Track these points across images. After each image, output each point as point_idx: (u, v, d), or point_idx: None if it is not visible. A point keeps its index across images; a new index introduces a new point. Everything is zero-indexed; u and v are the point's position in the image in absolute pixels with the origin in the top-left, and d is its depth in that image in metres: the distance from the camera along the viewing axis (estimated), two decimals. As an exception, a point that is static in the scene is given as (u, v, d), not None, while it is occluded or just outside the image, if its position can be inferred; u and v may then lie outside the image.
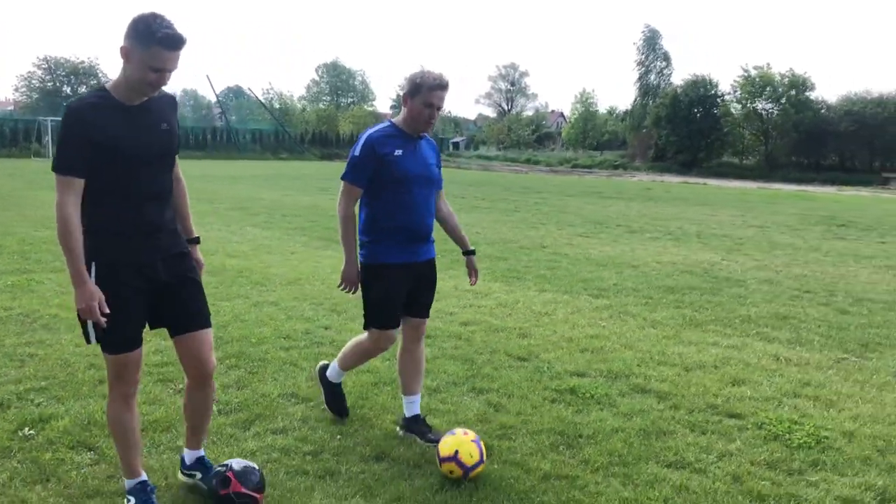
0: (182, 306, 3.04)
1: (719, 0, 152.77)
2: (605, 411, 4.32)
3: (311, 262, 9.09)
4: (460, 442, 3.39)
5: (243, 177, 26.65)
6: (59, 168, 2.76)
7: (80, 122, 2.75)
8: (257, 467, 3.15)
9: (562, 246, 11.29)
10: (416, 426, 3.89)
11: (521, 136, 72.04)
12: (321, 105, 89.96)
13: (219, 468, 3.11)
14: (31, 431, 3.77)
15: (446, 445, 3.40)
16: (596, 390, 4.65)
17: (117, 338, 2.88)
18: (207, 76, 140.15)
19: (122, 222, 2.86)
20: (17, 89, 74.37)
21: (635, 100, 63.74)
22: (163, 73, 2.77)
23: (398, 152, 3.67)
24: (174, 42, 2.72)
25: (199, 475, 3.23)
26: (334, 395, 4.12)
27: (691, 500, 3.29)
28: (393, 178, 3.65)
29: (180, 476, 3.30)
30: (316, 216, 14.33)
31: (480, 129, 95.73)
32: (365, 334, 3.91)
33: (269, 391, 4.47)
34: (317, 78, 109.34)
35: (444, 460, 3.37)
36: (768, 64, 49.97)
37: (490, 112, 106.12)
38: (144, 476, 3.07)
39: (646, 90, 62.43)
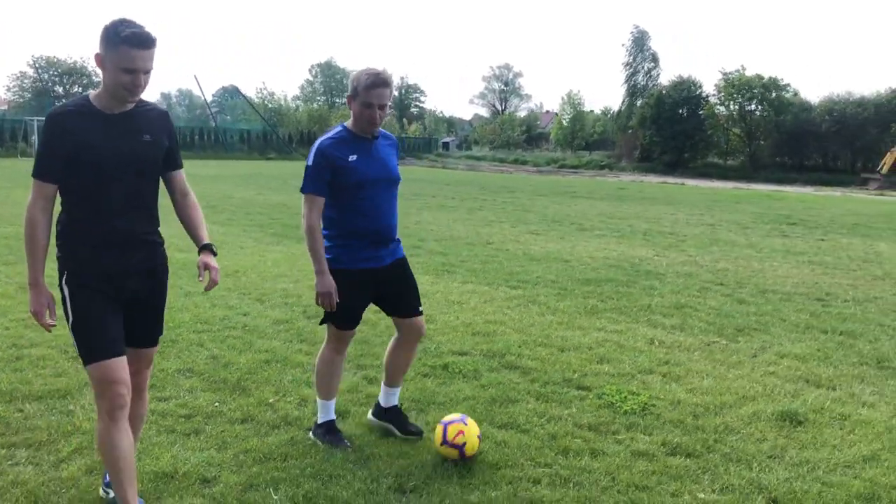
0: (138, 323, 3.01)
1: (712, 1, 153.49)
2: (466, 383, 4.84)
3: (256, 257, 9.57)
4: (472, 437, 3.62)
5: (223, 176, 27.14)
6: (34, 172, 2.84)
7: (55, 130, 2.80)
8: None
9: (507, 242, 11.80)
10: (395, 417, 3.97)
11: (510, 136, 72.50)
12: (315, 105, 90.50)
13: None
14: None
15: (461, 436, 3.59)
16: (467, 367, 5.16)
17: (92, 343, 2.82)
18: (195, 76, 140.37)
19: (94, 233, 2.87)
20: (9, 89, 74.62)
21: (623, 100, 64.42)
22: (136, 73, 2.76)
23: (352, 157, 3.63)
24: (140, 40, 2.73)
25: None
26: (329, 431, 3.89)
27: (505, 453, 3.79)
28: (350, 184, 3.63)
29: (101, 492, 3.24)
30: (279, 214, 14.83)
31: (474, 129, 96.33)
32: (320, 350, 3.94)
33: (168, 367, 4.97)
34: (311, 78, 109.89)
35: (450, 444, 3.58)
36: (743, 66, 50.63)
37: (485, 112, 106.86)
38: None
39: (633, 91, 63.08)
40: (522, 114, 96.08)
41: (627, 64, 63.90)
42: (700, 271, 9.57)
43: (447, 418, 3.73)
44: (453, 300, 7.36)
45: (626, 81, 64.17)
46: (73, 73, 74.40)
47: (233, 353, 5.30)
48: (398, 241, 3.90)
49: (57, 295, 2.94)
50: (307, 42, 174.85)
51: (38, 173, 2.83)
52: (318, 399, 3.94)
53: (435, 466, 3.62)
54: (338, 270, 3.67)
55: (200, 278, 3.04)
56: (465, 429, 3.62)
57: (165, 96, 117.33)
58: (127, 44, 2.71)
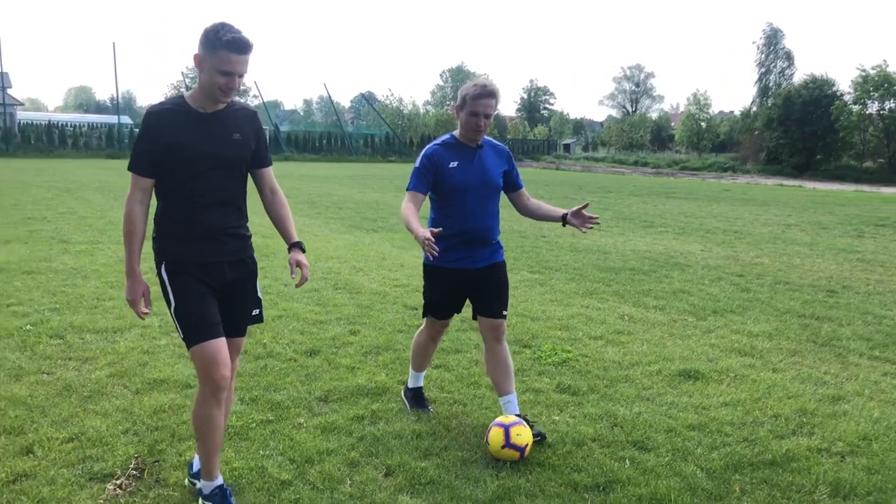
0: (229, 312, 3.12)
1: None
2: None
3: (323, 242, 10.90)
4: (530, 437, 3.68)
5: (337, 176, 29.14)
6: (130, 166, 2.99)
7: (152, 126, 2.95)
8: None
9: (562, 236, 12.56)
10: None
11: (633, 138, 71.57)
12: (445, 108, 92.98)
13: None
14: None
15: (521, 438, 3.63)
16: (439, 327, 6.15)
17: (196, 326, 2.95)
18: (324, 84, 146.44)
19: (187, 224, 3.00)
20: (165, 96, 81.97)
21: (753, 100, 62.19)
22: (231, 76, 2.89)
23: (453, 164, 3.86)
24: (239, 45, 2.87)
25: (198, 484, 3.23)
26: (415, 395, 4.38)
27: (442, 388, 4.78)
28: (448, 188, 3.87)
29: (186, 482, 3.36)
30: (367, 209, 16.23)
31: (602, 130, 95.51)
32: (418, 332, 4.35)
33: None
34: (441, 83, 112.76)
35: (512, 446, 3.61)
36: (885, 61, 47.61)
37: (616, 114, 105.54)
38: (220, 479, 3.11)
39: (765, 91, 60.78)
40: (654, 115, 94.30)
41: (759, 63, 61.69)
42: (730, 264, 10.00)
43: (503, 420, 3.73)
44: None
45: (758, 81, 61.99)
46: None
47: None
48: (497, 245, 4.07)
49: (154, 283, 3.08)
50: (438, 48, 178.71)
51: (134, 167, 2.99)
52: (410, 368, 4.42)
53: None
54: (430, 267, 4.00)
55: (293, 275, 3.19)
56: (524, 430, 3.67)
57: (307, 102, 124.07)
58: (226, 48, 2.85)
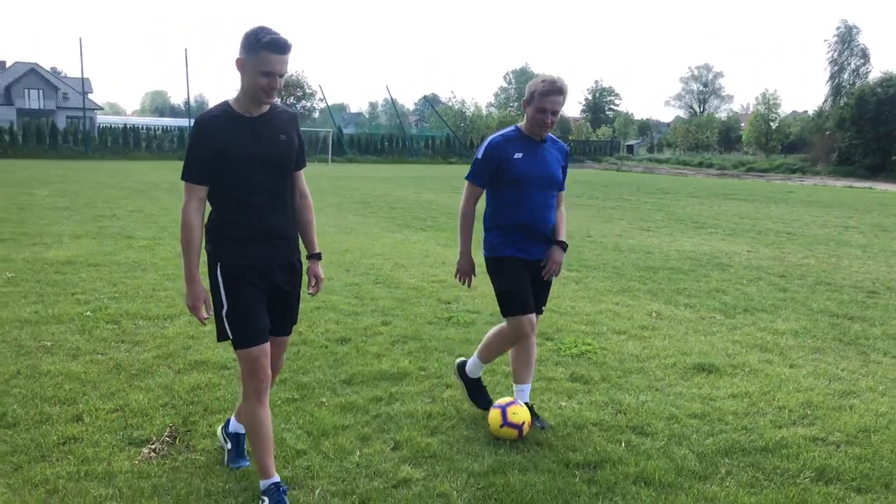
0: (277, 312, 3.23)
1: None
2: (456, 330, 6.09)
3: (370, 240, 11.29)
4: (527, 416, 3.88)
5: (395, 177, 29.67)
6: (183, 175, 3.08)
7: (204, 134, 3.04)
8: None
9: (608, 237, 12.65)
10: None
11: (699, 138, 70.27)
12: (509, 110, 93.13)
13: None
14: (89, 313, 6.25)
15: (517, 416, 3.82)
16: (467, 319, 6.42)
17: (246, 331, 3.08)
18: (387, 86, 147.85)
19: (241, 226, 3.09)
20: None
21: (826, 100, 60.33)
22: (272, 76, 2.97)
23: (518, 155, 3.91)
24: (278, 46, 2.95)
25: (229, 445, 3.56)
26: (476, 388, 4.31)
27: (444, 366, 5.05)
28: (511, 179, 3.91)
29: (218, 432, 3.71)
30: (420, 209, 16.59)
31: (669, 131, 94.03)
32: (504, 323, 4.12)
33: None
34: (505, 84, 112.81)
35: (510, 424, 3.81)
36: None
37: (683, 114, 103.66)
38: (277, 477, 3.18)
39: (838, 90, 58.90)
40: (722, 115, 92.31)
41: (832, 61, 59.79)
42: (774, 265, 9.95)
43: (500, 402, 3.94)
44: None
45: (831, 80, 60.10)
46: (289, 85, 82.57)
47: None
48: (550, 241, 4.08)
49: (207, 284, 3.17)
50: (503, 49, 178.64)
51: (188, 176, 3.07)
52: (476, 356, 4.32)
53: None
54: (495, 258, 4.01)
55: (310, 289, 3.42)
56: (520, 409, 3.85)
57: (373, 105, 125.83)
58: (266, 49, 2.93)
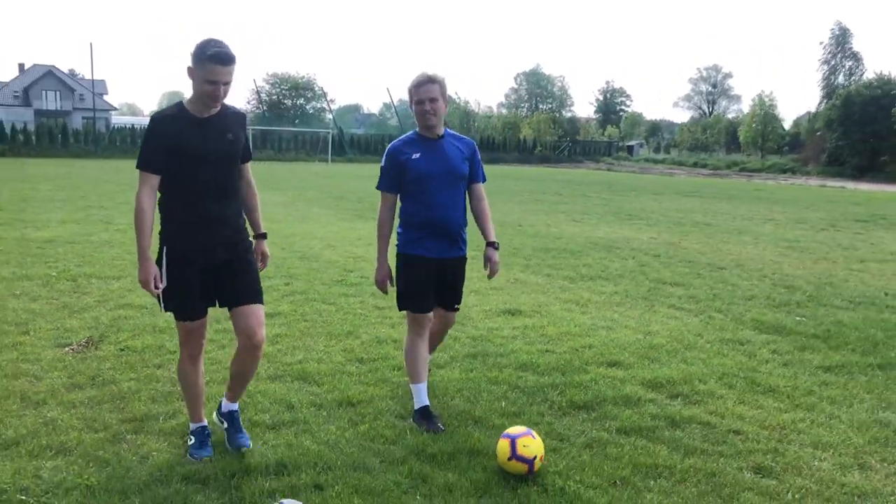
0: (234, 284, 3.54)
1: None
2: (340, 288, 7.73)
3: (319, 227, 12.95)
4: (541, 450, 3.51)
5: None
6: (138, 164, 3.39)
7: (157, 130, 3.37)
8: None
9: (537, 226, 14.22)
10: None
11: (698, 139, 71.43)
12: (519, 111, 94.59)
13: None
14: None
15: (528, 450, 3.45)
16: (357, 281, 8.06)
17: (183, 307, 3.48)
18: (387, 88, 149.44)
19: (188, 213, 3.43)
20: (248, 101, 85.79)
21: (820, 101, 61.37)
22: (216, 85, 3.28)
23: (416, 155, 4.05)
24: (222, 58, 3.24)
25: (226, 425, 3.80)
26: (423, 415, 4.12)
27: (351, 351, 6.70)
28: (412, 179, 4.06)
29: (213, 417, 3.94)
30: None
31: (677, 132, 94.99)
32: (404, 339, 4.30)
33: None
34: (515, 86, 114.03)
35: (518, 459, 3.43)
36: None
37: (693, 115, 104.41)
38: (205, 422, 3.71)
39: (831, 91, 59.92)
40: (731, 116, 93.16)
41: (825, 62, 60.85)
42: (660, 248, 11.51)
43: (511, 431, 3.58)
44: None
45: (823, 81, 61.15)
46: (300, 87, 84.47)
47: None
48: (463, 239, 4.22)
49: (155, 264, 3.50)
50: (513, 51, 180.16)
51: (142, 166, 3.40)
52: (410, 385, 4.24)
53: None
54: (412, 255, 4.13)
55: (259, 264, 3.73)
56: (533, 442, 3.49)
57: (386, 105, 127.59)
58: (211, 61, 3.23)
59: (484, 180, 4.36)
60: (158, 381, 4.72)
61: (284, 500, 3.03)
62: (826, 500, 3.42)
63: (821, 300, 7.81)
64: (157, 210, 3.50)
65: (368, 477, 3.47)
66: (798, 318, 6.92)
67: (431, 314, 4.24)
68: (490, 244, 4.26)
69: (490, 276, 4.34)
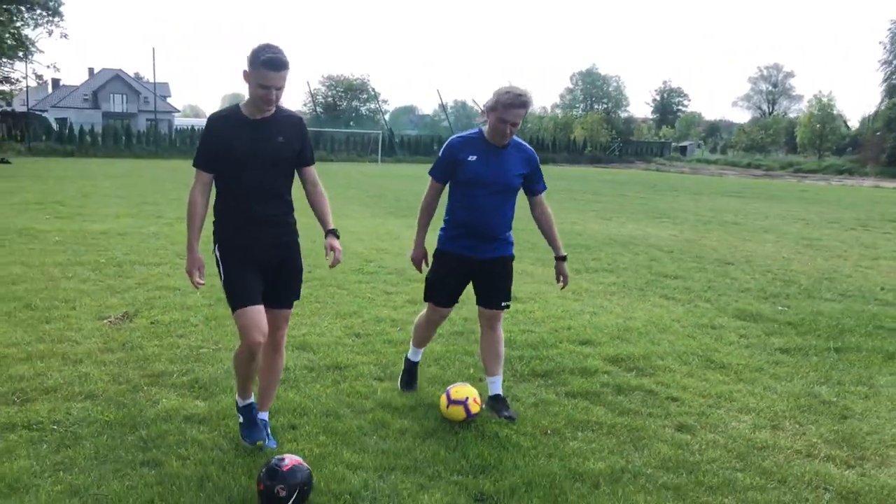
0: (274, 285, 3.65)
1: None
2: (356, 276, 8.42)
3: (352, 222, 13.71)
4: (471, 392, 4.07)
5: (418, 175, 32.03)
6: (193, 162, 3.54)
7: (213, 131, 3.51)
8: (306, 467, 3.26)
9: (564, 223, 14.69)
10: (496, 404, 4.28)
11: (754, 140, 70.25)
12: (575, 112, 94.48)
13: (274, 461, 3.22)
14: (107, 262, 8.86)
15: (459, 393, 4.05)
16: (373, 270, 8.74)
17: (240, 293, 3.50)
18: (438, 90, 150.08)
19: (236, 212, 3.54)
20: (304, 104, 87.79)
21: (882, 101, 59.76)
22: (269, 89, 3.38)
23: (472, 157, 4.05)
24: (274, 64, 3.35)
25: (241, 419, 3.79)
26: (407, 369, 4.67)
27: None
28: (462, 180, 4.08)
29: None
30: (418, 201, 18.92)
31: (735, 132, 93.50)
32: (421, 313, 4.58)
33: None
34: (570, 86, 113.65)
35: (453, 402, 4.02)
36: None
37: (752, 115, 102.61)
38: (252, 399, 3.79)
39: (892, 91, 58.32)
40: (793, 116, 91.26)
41: (885, 62, 59.24)
42: (676, 244, 11.91)
43: (449, 386, 4.24)
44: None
45: (885, 81, 59.51)
46: (354, 88, 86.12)
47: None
48: (505, 240, 4.27)
49: (210, 259, 3.62)
50: (569, 51, 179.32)
51: (196, 163, 3.55)
52: (411, 342, 4.74)
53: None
54: (444, 252, 4.26)
55: (327, 258, 3.75)
56: (463, 387, 4.12)
57: (443, 107, 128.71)
58: (264, 66, 3.34)
59: (545, 188, 4.37)
60: (179, 347, 5.47)
61: (287, 455, 3.26)
62: (728, 451, 3.93)
63: (812, 293, 8.17)
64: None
65: (337, 422, 4.12)
66: (780, 308, 7.32)
67: (450, 311, 4.41)
68: (559, 258, 4.39)
69: (563, 288, 4.49)
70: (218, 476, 3.43)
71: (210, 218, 3.64)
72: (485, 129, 4.11)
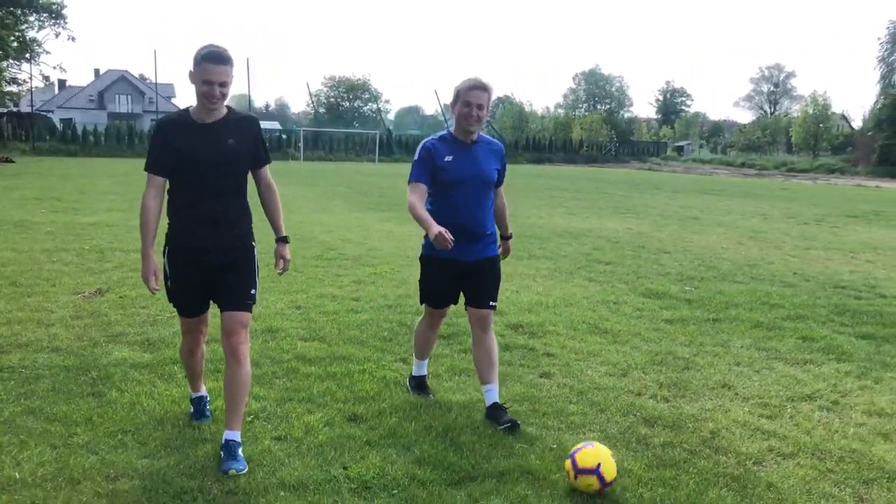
0: (225, 289, 3.62)
1: None
2: (317, 261, 9.29)
3: (330, 216, 14.59)
4: (603, 456, 3.38)
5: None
6: (146, 167, 3.56)
7: (161, 133, 3.54)
8: None
9: (531, 218, 15.56)
10: (495, 412, 4.17)
11: (751, 140, 70.88)
12: (578, 112, 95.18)
13: None
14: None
15: (588, 457, 3.36)
16: (333, 257, 9.61)
17: (184, 304, 3.73)
18: (435, 91, 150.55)
19: (188, 214, 3.57)
20: (307, 104, 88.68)
21: (876, 100, 60.35)
22: (211, 85, 3.40)
23: (448, 158, 4.08)
24: (214, 57, 3.38)
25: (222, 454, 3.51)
26: (418, 383, 4.64)
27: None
28: (444, 182, 4.08)
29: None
30: (401, 197, 19.81)
31: (735, 132, 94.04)
32: (418, 321, 4.66)
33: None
34: (573, 86, 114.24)
35: (582, 472, 3.34)
36: None
37: (753, 115, 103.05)
38: (202, 392, 4.07)
39: (888, 90, 58.89)
40: (795, 115, 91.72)
41: (881, 60, 59.85)
42: (625, 236, 12.75)
43: (573, 448, 3.53)
44: (387, 231, 11.72)
45: (881, 80, 60.15)
46: (356, 88, 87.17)
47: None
48: (491, 238, 4.26)
49: (160, 261, 3.68)
50: (572, 51, 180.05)
51: (148, 168, 3.55)
52: (413, 357, 4.75)
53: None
54: (424, 255, 4.31)
55: (276, 267, 3.82)
56: (593, 450, 3.42)
57: (445, 108, 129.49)
58: (205, 60, 3.38)
59: (501, 184, 4.43)
60: (139, 316, 6.36)
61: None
62: (571, 390, 4.78)
63: (727, 277, 9.00)
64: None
65: (255, 368, 4.95)
66: (687, 289, 8.16)
67: (446, 311, 4.54)
68: (505, 238, 4.57)
69: (503, 258, 4.53)
70: (146, 402, 4.31)
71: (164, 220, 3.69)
72: (453, 129, 4.22)
